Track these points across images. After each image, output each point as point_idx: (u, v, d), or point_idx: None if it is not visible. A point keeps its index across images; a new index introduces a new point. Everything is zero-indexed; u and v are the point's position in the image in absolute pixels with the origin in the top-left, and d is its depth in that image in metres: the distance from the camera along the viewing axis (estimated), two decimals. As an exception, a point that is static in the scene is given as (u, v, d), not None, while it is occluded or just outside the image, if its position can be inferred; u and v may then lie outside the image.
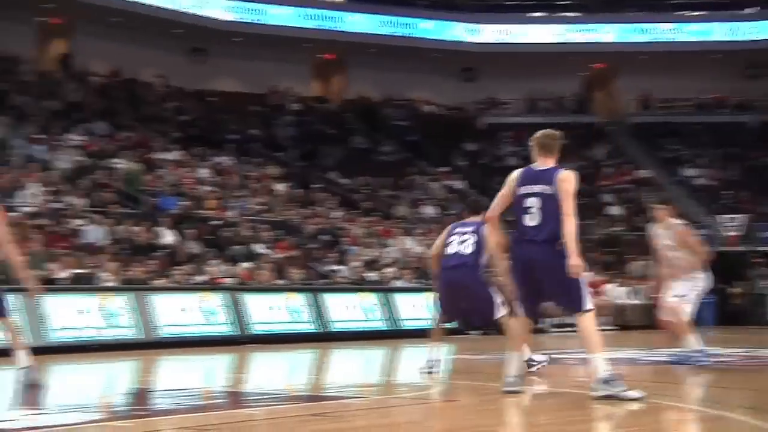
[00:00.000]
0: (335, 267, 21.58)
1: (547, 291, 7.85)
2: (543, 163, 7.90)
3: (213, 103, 32.10)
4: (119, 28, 29.68)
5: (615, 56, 35.48)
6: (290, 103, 33.52)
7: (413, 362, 11.73)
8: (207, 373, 12.73)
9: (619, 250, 28.28)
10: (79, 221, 19.48)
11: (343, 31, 33.95)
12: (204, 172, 25.45)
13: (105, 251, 18.32)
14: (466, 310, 10.18)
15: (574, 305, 7.76)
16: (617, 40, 35.93)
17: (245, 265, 19.94)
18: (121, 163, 23.30)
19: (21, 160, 22.25)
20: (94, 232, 19.21)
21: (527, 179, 7.85)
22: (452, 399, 8.72)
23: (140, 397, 9.23)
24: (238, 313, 17.41)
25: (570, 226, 7.58)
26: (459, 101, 36.13)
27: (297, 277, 20.26)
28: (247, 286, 18.80)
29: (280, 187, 26.22)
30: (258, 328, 17.51)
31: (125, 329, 15.78)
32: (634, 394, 7.50)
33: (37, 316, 14.68)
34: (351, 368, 13.50)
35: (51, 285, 15.93)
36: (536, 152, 7.96)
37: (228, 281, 18.84)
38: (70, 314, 15.20)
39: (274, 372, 13.01)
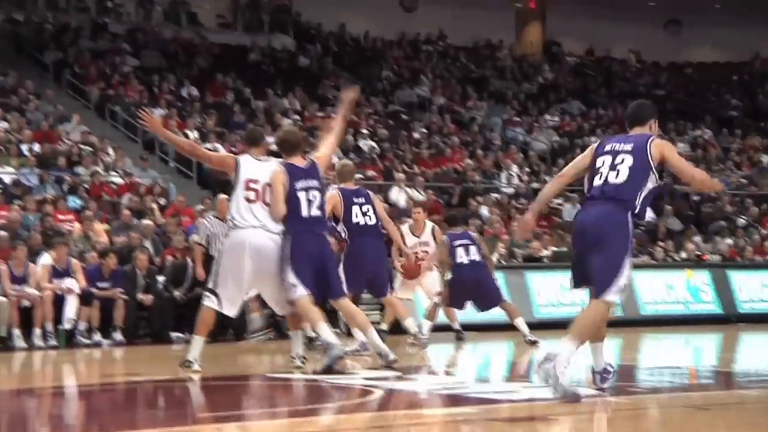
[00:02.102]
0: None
1: None
2: None
3: (689, 75, 31.11)
4: (592, 5, 29.73)
5: None
6: (775, 69, 31.55)
7: None
8: (694, 351, 12.31)
9: None
10: (557, 200, 19.79)
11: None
12: (682, 146, 24.72)
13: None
14: None
15: None
16: None
17: (729, 241, 19.06)
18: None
19: (501, 142, 23.12)
20: (572, 211, 19.42)
21: None
22: None
23: (627, 374, 9.09)
24: (724, 290, 16.67)
25: None
26: None
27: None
28: (734, 262, 17.94)
29: (766, 158, 24.74)
30: (747, 307, 16.63)
31: (609, 306, 15.73)
32: None
33: (523, 293, 15.15)
34: None
35: (534, 263, 16.36)
36: None
37: (712, 258, 18.12)
38: (552, 291, 15.48)
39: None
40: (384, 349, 8.33)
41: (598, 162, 6.59)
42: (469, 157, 21.36)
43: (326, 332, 8.05)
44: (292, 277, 8.06)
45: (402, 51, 27.89)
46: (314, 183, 8.26)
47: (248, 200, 8.09)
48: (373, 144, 20.99)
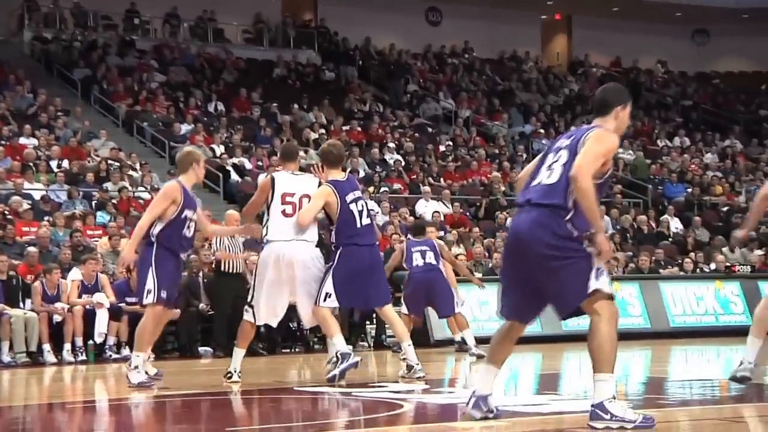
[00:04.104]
0: None
1: None
2: None
3: (717, 85, 30.94)
4: (617, 18, 29.67)
5: None
6: (803, 78, 31.33)
7: None
8: (725, 363, 12.18)
9: None
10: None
11: None
12: (710, 158, 24.60)
13: (612, 240, 18.33)
14: None
15: None
16: None
17: (759, 252, 18.90)
18: (624, 153, 23.25)
19: (528, 154, 23.04)
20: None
21: None
22: None
23: (655, 386, 9.02)
24: (755, 302, 16.49)
25: None
26: None
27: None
28: (764, 273, 17.79)
29: (796, 168, 24.55)
30: (777, 318, 16.46)
31: (634, 319, 15.66)
32: None
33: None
34: None
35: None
36: None
37: (741, 269, 17.97)
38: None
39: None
40: (415, 362, 8.48)
41: (545, 160, 5.52)
42: (495, 169, 21.31)
43: (342, 343, 8.27)
44: (329, 287, 8.17)
45: (427, 64, 27.91)
46: (359, 194, 8.44)
47: (285, 214, 8.20)
48: (399, 157, 20.99)
